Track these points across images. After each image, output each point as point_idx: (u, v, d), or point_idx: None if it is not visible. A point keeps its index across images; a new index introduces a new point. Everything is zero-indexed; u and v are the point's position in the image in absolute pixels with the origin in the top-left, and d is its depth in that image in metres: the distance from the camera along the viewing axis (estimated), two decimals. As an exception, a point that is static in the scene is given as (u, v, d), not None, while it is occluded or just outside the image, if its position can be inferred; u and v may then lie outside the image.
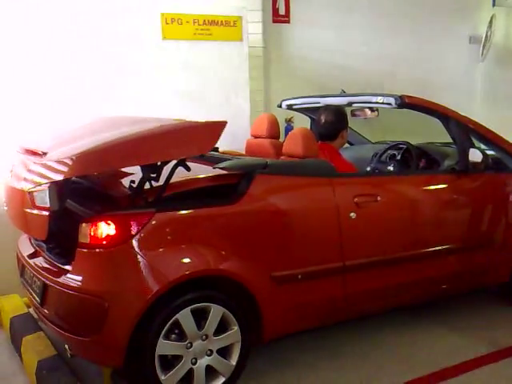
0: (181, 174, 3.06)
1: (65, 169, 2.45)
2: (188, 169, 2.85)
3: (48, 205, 2.62)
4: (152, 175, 2.79)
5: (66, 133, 3.22)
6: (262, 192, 3.00)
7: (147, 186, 2.85)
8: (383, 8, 7.20)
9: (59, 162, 2.51)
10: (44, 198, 2.63)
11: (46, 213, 2.63)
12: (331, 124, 3.74)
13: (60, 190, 2.65)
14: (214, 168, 3.03)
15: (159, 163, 2.78)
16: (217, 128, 2.72)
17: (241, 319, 2.90)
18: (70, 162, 2.44)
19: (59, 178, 2.47)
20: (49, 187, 2.59)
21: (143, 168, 2.76)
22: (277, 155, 3.69)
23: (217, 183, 2.99)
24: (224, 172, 3.03)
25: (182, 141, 2.70)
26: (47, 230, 2.64)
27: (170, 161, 2.80)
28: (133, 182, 2.87)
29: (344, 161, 3.66)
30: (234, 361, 2.92)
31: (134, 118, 3.24)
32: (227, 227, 2.88)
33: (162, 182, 2.83)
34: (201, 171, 3.10)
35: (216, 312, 2.82)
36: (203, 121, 2.78)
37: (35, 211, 2.69)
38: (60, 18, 4.53)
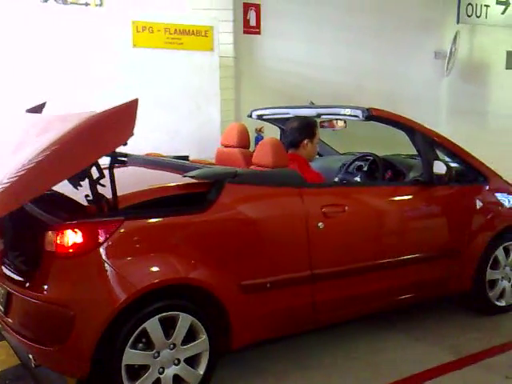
0: (150, 182, 3.05)
1: None
2: (123, 162, 2.68)
3: None
4: (98, 179, 2.62)
5: None
6: (232, 201, 3.01)
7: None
8: (352, 22, 7.35)
9: None
10: None
11: None
12: (294, 132, 3.78)
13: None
14: (183, 176, 3.03)
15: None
16: (130, 108, 2.50)
17: (209, 328, 2.89)
18: None
19: None
20: None
21: (70, 180, 2.56)
22: (247, 165, 3.71)
23: (185, 192, 2.96)
24: (193, 181, 3.02)
25: (98, 136, 2.49)
26: None
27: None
28: (87, 195, 2.69)
29: (312, 171, 3.71)
30: (201, 370, 2.91)
31: (46, 120, 2.98)
32: (196, 236, 2.88)
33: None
34: (170, 180, 3.09)
35: (184, 321, 2.81)
36: (112, 107, 2.51)
37: None
38: (32, 25, 4.50)
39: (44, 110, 3.55)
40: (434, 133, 3.86)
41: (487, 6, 8.29)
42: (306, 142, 3.77)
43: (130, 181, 3.20)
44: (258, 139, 5.88)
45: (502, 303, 4.13)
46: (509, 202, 4.14)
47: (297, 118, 3.94)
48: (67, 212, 2.80)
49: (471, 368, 3.37)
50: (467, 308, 4.20)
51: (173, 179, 3.07)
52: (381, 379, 3.21)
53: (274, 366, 3.38)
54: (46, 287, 2.62)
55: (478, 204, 3.97)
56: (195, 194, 2.96)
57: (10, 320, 2.83)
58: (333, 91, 6.81)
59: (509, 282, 4.14)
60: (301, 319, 3.35)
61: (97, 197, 2.64)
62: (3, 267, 2.95)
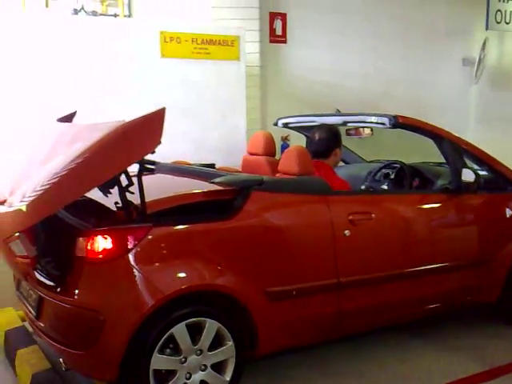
0: (177, 189, 3.09)
1: (19, 221, 2.44)
2: (151, 170, 2.74)
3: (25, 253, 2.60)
4: (128, 187, 2.68)
5: (22, 165, 3.09)
6: (258, 208, 3.03)
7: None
8: (378, 29, 7.34)
9: (11, 214, 2.46)
10: (19, 248, 2.62)
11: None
12: (324, 142, 3.79)
13: (32, 234, 2.64)
14: (210, 183, 3.06)
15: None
16: (157, 116, 2.54)
17: (235, 334, 2.91)
18: (21, 215, 2.38)
19: (17, 229, 2.46)
20: (19, 237, 2.59)
21: (100, 187, 2.61)
22: (273, 172, 3.73)
23: (212, 198, 3.00)
24: (220, 188, 3.05)
25: (127, 145, 2.54)
26: None
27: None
28: (117, 202, 2.75)
29: (338, 179, 3.71)
30: (228, 376, 2.92)
31: (76, 129, 3.05)
32: (223, 242, 2.90)
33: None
34: (197, 186, 3.13)
35: (211, 327, 2.83)
36: (140, 116, 2.56)
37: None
38: (63, 37, 4.63)
39: (74, 119, 3.63)
40: (463, 140, 3.82)
41: (517, 12, 8.18)
42: (336, 150, 3.80)
43: (158, 187, 3.25)
44: (284, 147, 5.90)
45: (533, 314, 4.05)
46: (539, 210, 4.06)
47: (322, 126, 3.94)
48: (98, 218, 2.86)
49: (501, 380, 3.32)
50: (496, 318, 4.12)
51: (199, 186, 3.12)
52: (408, 389, 3.19)
53: (301, 373, 3.37)
54: (76, 292, 2.68)
55: (508, 212, 3.90)
56: (221, 201, 2.99)
57: (41, 324, 2.90)
58: (359, 99, 6.80)
59: (540, 292, 4.05)
60: (326, 327, 3.34)
61: (126, 204, 2.69)
62: (36, 272, 3.02)
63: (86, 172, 2.44)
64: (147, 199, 2.72)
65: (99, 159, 2.48)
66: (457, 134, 3.84)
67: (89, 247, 2.65)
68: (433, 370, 3.41)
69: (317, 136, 3.82)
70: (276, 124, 4.80)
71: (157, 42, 5.05)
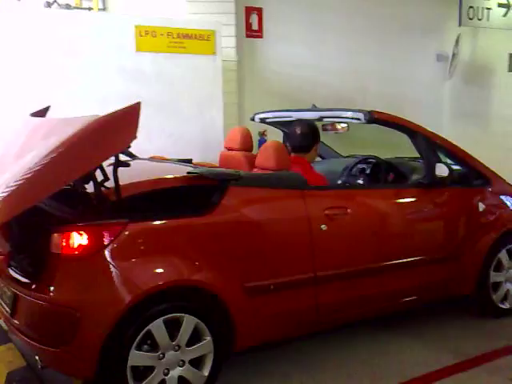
0: (150, 174, 3.06)
1: None
2: (127, 165, 2.71)
3: None
4: (103, 182, 2.69)
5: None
6: (235, 203, 3.03)
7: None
8: (353, 25, 7.39)
9: None
10: None
11: None
12: (306, 137, 3.81)
13: (6, 230, 2.61)
14: (187, 173, 3.04)
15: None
16: (133, 111, 2.52)
17: (214, 330, 2.91)
18: None
19: None
20: None
21: (76, 182, 2.62)
22: (250, 167, 3.73)
23: (187, 184, 2.97)
24: (193, 175, 3.01)
25: (102, 139, 2.51)
26: None
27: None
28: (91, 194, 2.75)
29: (315, 174, 3.73)
30: (206, 371, 2.92)
31: (50, 124, 3.01)
32: (200, 238, 2.90)
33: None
34: (171, 173, 3.11)
35: (189, 322, 2.82)
36: (115, 110, 2.53)
37: None
38: (35, 30, 4.55)
39: (48, 113, 3.58)
40: (436, 135, 3.88)
41: (489, 8, 8.32)
42: (317, 146, 3.84)
43: (134, 174, 3.20)
44: (262, 142, 5.90)
45: (506, 306, 4.13)
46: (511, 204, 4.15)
47: (303, 122, 3.96)
48: (72, 214, 2.82)
49: (475, 371, 3.38)
50: (471, 311, 4.20)
51: (175, 172, 3.11)
52: (383, 381, 3.23)
53: (279, 367, 3.39)
54: (52, 289, 2.65)
55: (481, 206, 3.97)
56: (196, 188, 2.96)
57: (16, 322, 2.85)
58: (335, 94, 6.85)
59: (512, 284, 4.14)
60: (304, 321, 3.37)
61: (101, 199, 2.66)
62: (10, 270, 2.97)
63: (60, 167, 2.41)
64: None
65: (74, 154, 2.45)
66: (431, 129, 3.89)
67: (64, 243, 2.62)
68: (408, 361, 3.46)
69: (298, 131, 3.84)
70: (253, 119, 4.80)
71: (132, 36, 5.01)
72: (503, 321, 4.08)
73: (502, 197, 4.13)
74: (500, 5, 8.42)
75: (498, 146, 8.53)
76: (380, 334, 3.85)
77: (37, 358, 2.78)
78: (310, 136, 3.81)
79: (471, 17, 8.17)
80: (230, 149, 4.11)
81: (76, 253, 2.63)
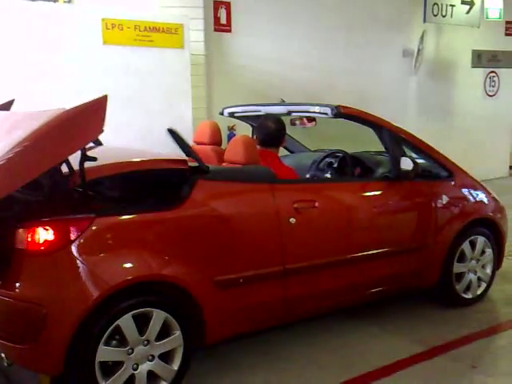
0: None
1: None
2: (94, 159, 2.65)
3: None
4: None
5: None
6: (204, 197, 3.04)
7: None
8: (321, 21, 7.44)
9: None
10: None
11: None
12: (275, 131, 3.84)
13: None
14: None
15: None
16: (99, 104, 2.50)
17: (183, 324, 2.91)
18: None
19: None
20: None
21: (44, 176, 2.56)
22: (219, 162, 3.74)
23: (152, 168, 2.96)
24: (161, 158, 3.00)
25: (68, 133, 2.48)
26: None
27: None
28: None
29: (284, 167, 3.76)
30: (176, 365, 2.93)
31: (14, 117, 2.93)
32: (169, 232, 2.90)
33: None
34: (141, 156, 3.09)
35: (158, 317, 2.82)
36: (81, 103, 2.51)
37: None
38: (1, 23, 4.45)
39: (12, 107, 3.51)
40: (401, 130, 3.94)
41: (452, 5, 8.49)
42: (284, 139, 3.90)
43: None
44: (231, 136, 5.91)
45: (469, 296, 4.24)
46: (474, 196, 4.25)
47: (271, 116, 3.99)
48: (38, 208, 2.78)
49: (439, 358, 3.47)
50: (435, 301, 4.29)
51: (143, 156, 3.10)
52: (352, 371, 3.28)
53: (248, 359, 3.42)
54: (17, 285, 2.61)
55: (444, 199, 4.05)
56: (162, 171, 2.95)
57: (-19, 319, 2.80)
58: (304, 89, 6.89)
59: (475, 274, 4.25)
60: (274, 314, 3.40)
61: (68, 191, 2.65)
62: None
63: (25, 162, 2.37)
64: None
65: (39, 148, 2.41)
66: (396, 124, 3.96)
67: (29, 239, 2.59)
68: (376, 351, 3.53)
69: (267, 125, 3.86)
70: (222, 113, 4.80)
71: (98, 28, 4.94)
72: (466, 310, 4.19)
73: (464, 189, 4.23)
74: (463, 2, 8.60)
75: (461, 140, 8.75)
76: (348, 324, 3.92)
77: (2, 355, 2.74)
78: (278, 131, 3.85)
79: (436, 13, 8.32)
80: (199, 143, 4.11)
81: (42, 248, 2.59)
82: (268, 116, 4.03)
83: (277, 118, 3.93)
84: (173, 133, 3.07)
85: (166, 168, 2.98)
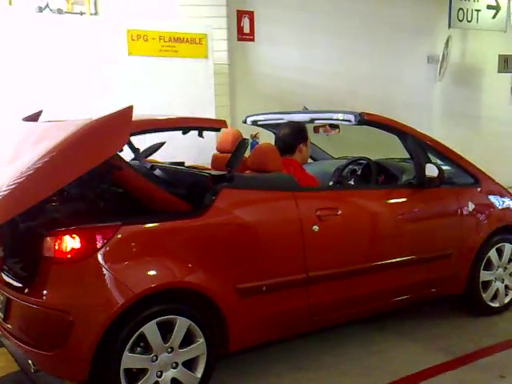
0: None
1: None
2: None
3: None
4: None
5: None
6: (228, 205, 3.05)
7: None
8: (345, 28, 7.43)
9: None
10: None
11: None
12: (287, 138, 3.84)
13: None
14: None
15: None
16: (125, 115, 2.57)
17: (206, 331, 2.93)
18: None
19: None
20: None
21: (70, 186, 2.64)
22: (242, 170, 3.75)
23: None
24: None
25: (94, 143, 2.54)
26: None
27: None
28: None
29: (307, 175, 3.76)
30: (199, 373, 2.94)
31: (42, 128, 3.03)
32: (193, 240, 2.92)
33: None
34: None
35: (182, 324, 2.84)
36: (107, 114, 2.58)
37: None
38: (28, 35, 4.56)
39: (40, 118, 3.59)
40: (426, 136, 3.91)
41: (478, 10, 8.38)
42: (301, 145, 3.85)
43: None
44: (254, 145, 5.92)
45: (496, 304, 4.17)
46: (500, 203, 4.19)
47: (287, 123, 3.99)
48: (65, 217, 2.84)
49: (466, 368, 3.41)
50: (461, 309, 4.23)
51: None
52: (377, 380, 3.25)
53: (272, 367, 3.41)
54: (44, 293, 2.66)
55: (471, 206, 4.00)
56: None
57: (9, 326, 2.86)
58: (327, 96, 6.88)
59: (502, 282, 4.18)
60: (297, 322, 3.39)
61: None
62: (2, 274, 2.99)
63: (52, 171, 2.43)
64: None
65: (66, 158, 2.47)
66: (421, 130, 3.93)
67: (56, 247, 2.64)
68: (400, 360, 3.49)
69: (281, 133, 3.87)
70: (245, 121, 4.82)
71: (124, 39, 5.02)
72: (493, 319, 4.12)
73: (491, 196, 4.17)
74: (489, 6, 8.48)
75: (488, 147, 8.60)
76: (372, 333, 3.88)
77: (30, 362, 2.80)
78: (291, 136, 3.84)
79: (461, 19, 8.22)
80: (222, 151, 4.13)
81: (68, 256, 2.64)
82: (285, 124, 4.03)
83: (292, 125, 3.92)
84: None
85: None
